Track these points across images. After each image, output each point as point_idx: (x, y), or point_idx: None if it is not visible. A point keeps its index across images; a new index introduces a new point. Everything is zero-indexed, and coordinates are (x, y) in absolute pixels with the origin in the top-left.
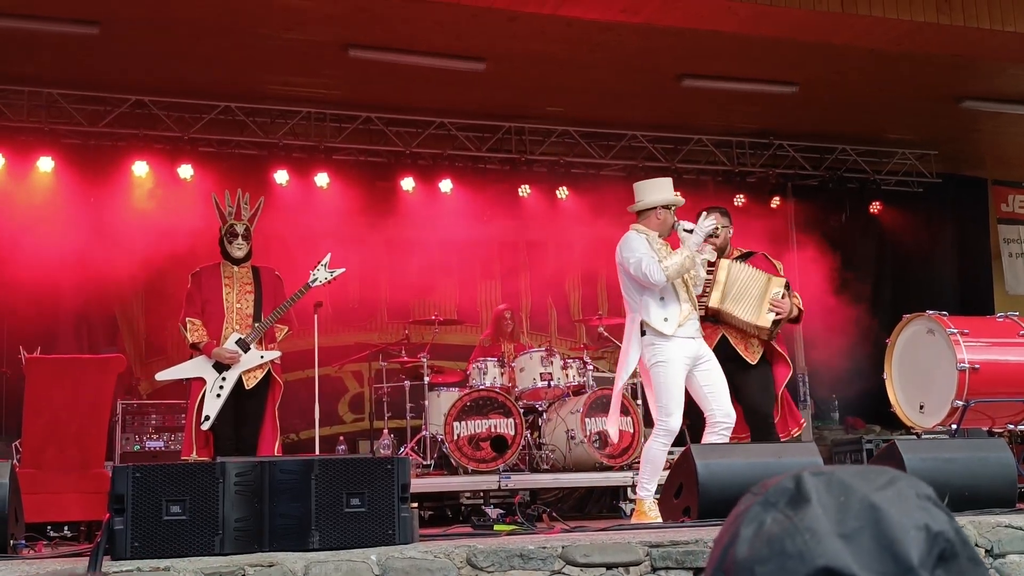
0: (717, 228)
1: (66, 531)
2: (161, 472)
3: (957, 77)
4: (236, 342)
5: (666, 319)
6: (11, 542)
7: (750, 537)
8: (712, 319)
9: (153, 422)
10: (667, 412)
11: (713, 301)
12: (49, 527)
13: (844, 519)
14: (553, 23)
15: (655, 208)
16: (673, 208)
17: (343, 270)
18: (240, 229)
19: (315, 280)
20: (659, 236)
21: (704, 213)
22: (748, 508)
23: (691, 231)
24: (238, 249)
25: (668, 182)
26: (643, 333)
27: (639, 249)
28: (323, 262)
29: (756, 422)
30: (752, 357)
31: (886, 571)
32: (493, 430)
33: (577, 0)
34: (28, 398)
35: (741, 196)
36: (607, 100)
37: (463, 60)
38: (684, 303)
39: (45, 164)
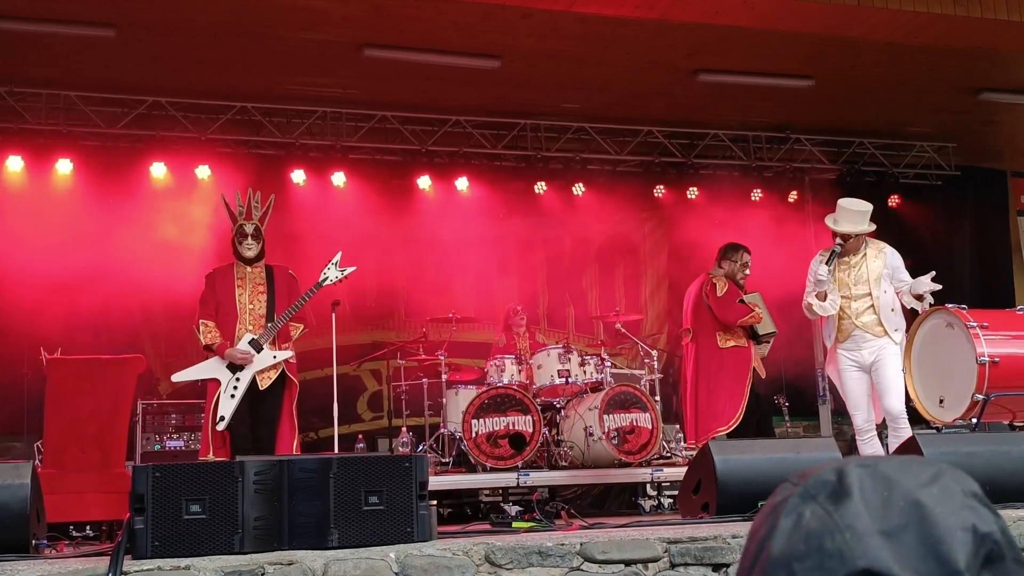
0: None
1: (88, 531)
2: (181, 472)
3: (975, 69)
4: (249, 342)
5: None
6: (33, 542)
7: (788, 530)
8: None
9: (173, 422)
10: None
11: None
12: (71, 527)
13: (887, 516)
14: (567, 19)
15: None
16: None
17: (354, 268)
18: (249, 229)
19: (326, 279)
20: None
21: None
22: (786, 499)
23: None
24: (248, 249)
25: None
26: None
27: None
28: (334, 261)
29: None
30: None
31: (930, 573)
32: (511, 427)
33: None
34: (49, 399)
35: (758, 190)
36: (622, 96)
37: (478, 58)
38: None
39: (64, 166)
